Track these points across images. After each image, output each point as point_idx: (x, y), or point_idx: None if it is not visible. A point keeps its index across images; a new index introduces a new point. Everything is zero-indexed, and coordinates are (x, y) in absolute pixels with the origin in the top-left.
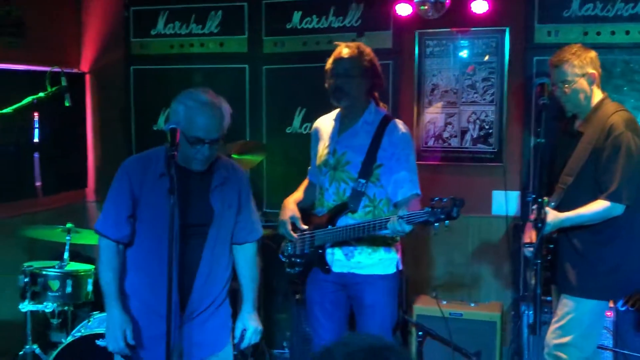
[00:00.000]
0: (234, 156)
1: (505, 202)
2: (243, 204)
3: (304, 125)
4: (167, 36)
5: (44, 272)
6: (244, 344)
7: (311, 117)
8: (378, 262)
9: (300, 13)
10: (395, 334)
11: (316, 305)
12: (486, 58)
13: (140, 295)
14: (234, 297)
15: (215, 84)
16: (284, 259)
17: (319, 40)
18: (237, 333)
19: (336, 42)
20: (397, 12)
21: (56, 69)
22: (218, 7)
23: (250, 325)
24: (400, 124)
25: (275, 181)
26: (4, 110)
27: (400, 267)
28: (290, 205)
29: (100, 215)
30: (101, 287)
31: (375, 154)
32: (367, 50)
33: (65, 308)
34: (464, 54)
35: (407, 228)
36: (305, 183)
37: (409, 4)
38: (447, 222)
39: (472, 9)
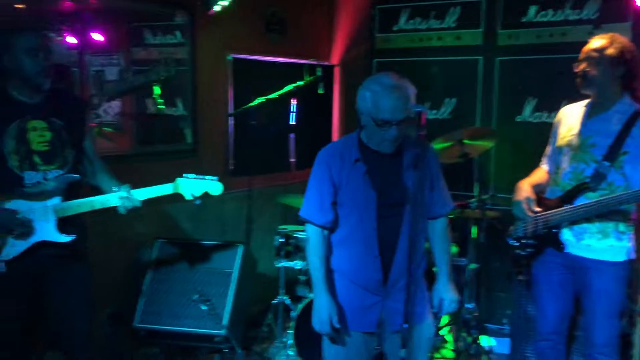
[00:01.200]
0: (465, 141)
1: None
2: (435, 180)
3: (534, 115)
4: (408, 31)
5: (295, 235)
6: (442, 313)
7: (542, 107)
8: (608, 248)
9: (536, 7)
10: (621, 322)
11: (543, 286)
12: None
13: (345, 271)
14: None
15: (450, 74)
16: (513, 242)
17: (552, 33)
18: (435, 302)
19: (595, 36)
20: (636, 3)
21: (313, 62)
22: (457, 3)
23: (447, 294)
24: None
25: (502, 167)
26: (270, 96)
27: (632, 256)
28: (525, 187)
29: (303, 203)
30: (310, 272)
31: (624, 140)
32: (620, 39)
33: None
34: None
35: None
36: (540, 169)
37: None
38: None
39: None
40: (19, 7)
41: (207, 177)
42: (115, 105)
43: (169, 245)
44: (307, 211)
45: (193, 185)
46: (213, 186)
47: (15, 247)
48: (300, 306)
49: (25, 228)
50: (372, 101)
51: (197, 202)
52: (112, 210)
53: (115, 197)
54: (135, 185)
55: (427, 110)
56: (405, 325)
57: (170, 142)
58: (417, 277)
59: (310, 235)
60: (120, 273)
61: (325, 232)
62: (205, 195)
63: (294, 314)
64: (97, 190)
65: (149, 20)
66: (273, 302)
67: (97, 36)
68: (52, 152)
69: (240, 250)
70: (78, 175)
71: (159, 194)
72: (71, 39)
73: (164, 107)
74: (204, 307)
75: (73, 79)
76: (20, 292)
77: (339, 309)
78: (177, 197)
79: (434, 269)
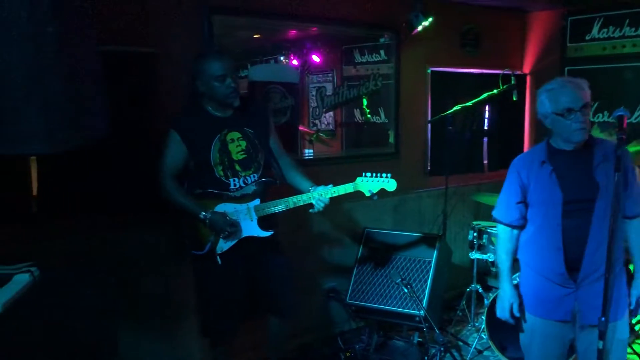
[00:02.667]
0: None
1: None
2: (629, 178)
3: None
4: (601, 40)
5: (488, 230)
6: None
7: None
8: None
9: None
10: None
11: None
12: None
13: (532, 264)
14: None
15: None
16: None
17: None
18: (633, 300)
19: None
20: None
21: (507, 72)
22: None
23: None
24: None
25: None
26: (465, 104)
27: None
28: None
29: (495, 206)
30: (497, 264)
31: None
32: None
33: None
34: None
35: None
36: None
37: None
38: None
39: None
40: (256, 37)
41: (383, 174)
42: (328, 115)
43: (375, 234)
44: (496, 211)
45: (371, 184)
46: (389, 184)
47: (228, 242)
48: (492, 295)
49: (234, 228)
50: (551, 99)
51: (375, 197)
52: (332, 203)
53: (307, 198)
54: (344, 182)
55: (628, 114)
56: (603, 319)
57: (375, 146)
58: (615, 274)
59: (500, 232)
60: (337, 255)
61: (515, 231)
62: (382, 191)
63: (487, 301)
64: (293, 189)
65: (357, 42)
66: (467, 289)
67: (315, 58)
68: (248, 159)
69: (437, 241)
70: (273, 180)
71: (343, 192)
72: (295, 62)
73: (370, 116)
74: (405, 290)
75: (298, 94)
76: (236, 277)
77: (530, 298)
78: (380, 193)
79: (631, 267)
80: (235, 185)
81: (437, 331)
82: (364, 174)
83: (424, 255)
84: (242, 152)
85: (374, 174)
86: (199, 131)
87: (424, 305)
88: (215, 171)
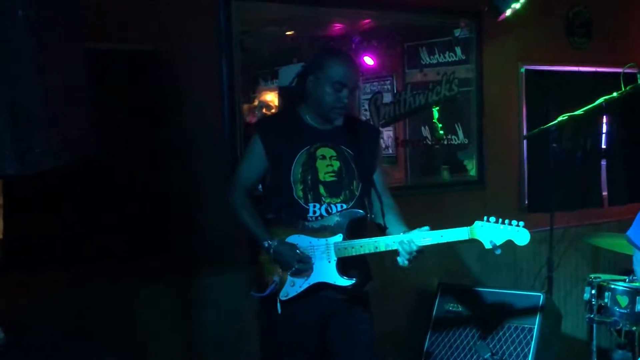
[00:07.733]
0: None
1: None
2: None
3: None
4: None
5: (612, 286)
6: None
7: None
8: None
9: None
10: None
11: None
12: None
13: None
14: None
15: None
16: None
17: None
18: None
19: None
20: None
21: (630, 69)
22: None
23: None
24: None
25: None
26: (575, 113)
27: None
28: None
29: (634, 222)
30: None
31: None
32: None
33: (633, 328)
34: None
35: None
36: None
37: None
38: None
39: None
40: (289, 35)
41: (512, 222)
42: (387, 136)
43: (454, 291)
44: (633, 231)
45: (493, 232)
46: (519, 234)
47: (295, 286)
48: None
49: (304, 265)
50: None
51: (498, 251)
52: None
53: (398, 241)
54: (411, 221)
55: None
56: None
57: (451, 172)
58: None
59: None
60: (401, 323)
61: None
62: (509, 243)
63: None
64: (383, 231)
65: (424, 37)
66: None
67: (368, 60)
68: (338, 184)
69: (541, 301)
70: (363, 212)
71: (452, 240)
72: None
73: (443, 132)
74: None
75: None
76: (301, 337)
77: None
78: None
79: None
80: (315, 212)
81: None
82: (485, 218)
83: (522, 321)
84: (332, 174)
85: (500, 220)
86: (286, 138)
87: None
88: (293, 190)
